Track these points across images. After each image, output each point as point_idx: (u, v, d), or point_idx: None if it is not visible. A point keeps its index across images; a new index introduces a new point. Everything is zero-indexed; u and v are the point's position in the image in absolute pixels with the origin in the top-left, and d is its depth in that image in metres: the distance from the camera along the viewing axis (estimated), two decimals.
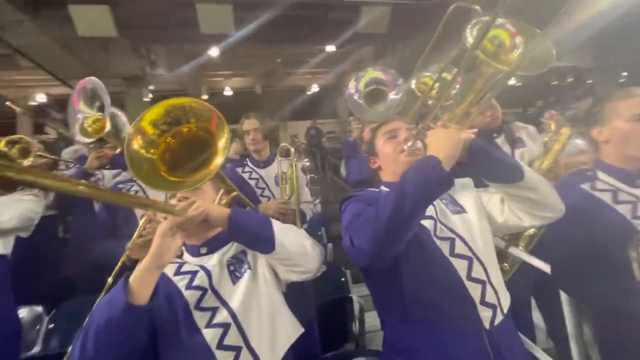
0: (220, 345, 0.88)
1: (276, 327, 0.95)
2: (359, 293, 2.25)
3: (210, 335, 0.88)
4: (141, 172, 0.80)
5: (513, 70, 0.83)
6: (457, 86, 1.07)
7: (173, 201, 1.00)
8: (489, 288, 0.94)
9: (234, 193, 1.12)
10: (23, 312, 1.82)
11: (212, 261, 1.01)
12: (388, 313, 1.04)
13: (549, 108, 2.72)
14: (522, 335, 1.42)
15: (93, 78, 1.71)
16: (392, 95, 2.70)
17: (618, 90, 1.19)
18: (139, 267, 0.82)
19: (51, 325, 1.81)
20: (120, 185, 1.70)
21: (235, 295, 0.94)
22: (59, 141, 6.90)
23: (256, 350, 0.89)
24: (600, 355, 1.20)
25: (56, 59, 6.14)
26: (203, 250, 1.03)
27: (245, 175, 2.02)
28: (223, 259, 1.01)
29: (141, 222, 1.07)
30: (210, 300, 0.93)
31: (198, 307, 0.92)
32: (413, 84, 2.12)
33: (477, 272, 0.94)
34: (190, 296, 0.93)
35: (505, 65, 0.82)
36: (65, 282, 2.33)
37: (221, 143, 0.81)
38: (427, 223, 1.00)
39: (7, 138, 2.01)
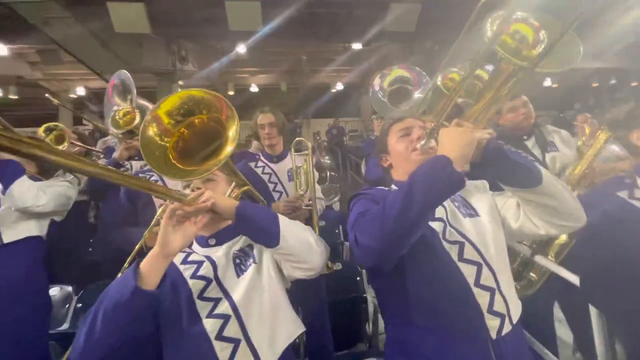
0: (220, 336, 0.88)
1: (277, 323, 0.94)
2: (373, 293, 2.24)
3: (210, 325, 0.89)
4: (152, 157, 0.81)
5: (532, 68, 0.77)
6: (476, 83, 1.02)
7: (187, 191, 1.02)
8: (497, 296, 0.90)
9: (246, 187, 1.12)
10: (54, 291, 1.95)
11: (219, 253, 1.01)
12: (392, 315, 1.02)
13: (587, 111, 2.57)
14: (541, 346, 1.35)
15: (123, 71, 1.79)
16: (417, 94, 2.64)
17: None
18: (149, 254, 0.84)
19: (79, 305, 1.93)
20: (141, 175, 1.76)
21: (238, 288, 0.94)
22: (95, 132, 7.31)
23: (255, 344, 0.89)
24: None
25: (94, 54, 6.49)
26: (211, 241, 1.05)
27: (258, 170, 2.03)
28: (230, 251, 1.02)
29: (159, 210, 1.10)
30: (213, 291, 0.93)
31: (201, 296, 0.92)
32: (439, 80, 2.06)
33: (486, 278, 0.90)
34: (195, 285, 0.94)
35: (527, 62, 0.77)
36: (94, 265, 2.46)
37: (231, 132, 0.81)
38: (436, 225, 0.96)
39: (46, 125, 2.15)
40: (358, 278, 2.25)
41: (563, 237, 1.50)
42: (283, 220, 0.96)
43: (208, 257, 1.00)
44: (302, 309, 1.87)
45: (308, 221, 1.82)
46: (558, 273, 1.36)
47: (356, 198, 1.03)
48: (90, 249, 2.67)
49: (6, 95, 9.83)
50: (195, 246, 1.07)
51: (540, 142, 1.95)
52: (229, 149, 0.80)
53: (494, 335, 0.87)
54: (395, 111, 2.67)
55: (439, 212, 0.99)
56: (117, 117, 1.83)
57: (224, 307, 0.91)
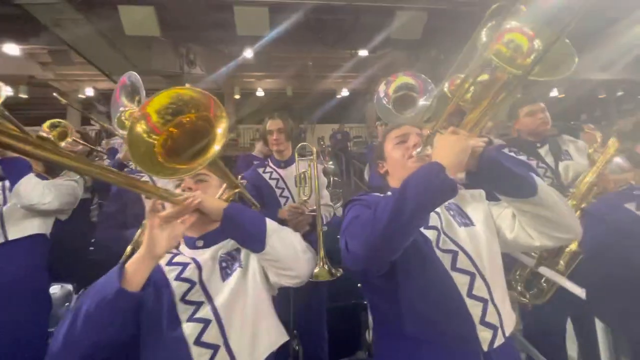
0: (198, 341, 0.85)
1: (258, 331, 0.91)
2: None
3: (189, 329, 0.86)
4: (138, 154, 0.80)
5: (525, 76, 0.78)
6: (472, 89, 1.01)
7: (178, 191, 1.00)
8: (490, 307, 0.88)
9: (237, 189, 1.10)
10: (55, 289, 1.95)
11: (205, 255, 0.99)
12: (382, 324, 1.01)
13: (593, 122, 2.55)
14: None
15: (133, 72, 1.81)
16: (422, 101, 2.64)
17: None
18: (136, 255, 0.83)
19: None
20: (136, 175, 1.77)
21: (222, 293, 0.91)
22: (101, 133, 7.39)
23: (234, 351, 0.86)
24: None
25: (104, 55, 6.59)
26: (199, 243, 1.03)
27: (266, 176, 2.04)
28: (217, 254, 1.00)
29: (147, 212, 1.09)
30: (196, 295, 0.91)
31: (183, 299, 0.90)
32: (446, 86, 2.05)
33: (479, 289, 0.89)
34: (178, 287, 0.92)
35: (521, 70, 0.77)
36: (96, 263, 2.47)
37: (219, 131, 0.79)
38: (429, 233, 0.95)
39: (50, 121, 2.20)
40: (359, 284, 2.23)
41: (573, 246, 1.47)
42: (271, 225, 0.94)
43: (194, 259, 0.98)
44: (300, 314, 1.86)
45: (312, 227, 1.80)
46: (563, 285, 1.34)
47: (351, 204, 1.03)
48: (92, 248, 2.68)
49: (17, 95, 9.99)
50: (183, 247, 1.05)
51: (554, 150, 1.93)
52: (216, 148, 0.78)
53: (485, 347, 0.85)
54: (399, 118, 2.68)
55: (433, 220, 0.98)
56: (123, 117, 1.84)
57: (204, 312, 0.89)
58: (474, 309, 0.87)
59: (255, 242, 0.90)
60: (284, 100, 11.71)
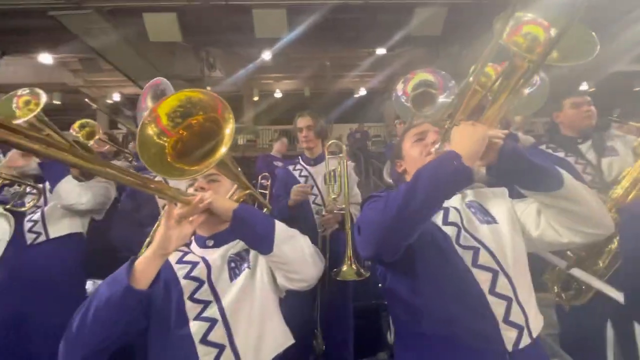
0: (204, 340, 0.86)
1: (264, 332, 0.91)
2: None
3: (196, 328, 0.87)
4: (148, 155, 0.81)
5: (544, 58, 0.76)
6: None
7: (190, 190, 1.01)
8: (515, 306, 0.85)
9: (248, 191, 1.10)
10: (89, 285, 2.06)
11: (215, 255, 0.99)
12: (402, 322, 0.99)
13: (628, 116, 2.42)
14: None
15: (164, 79, 1.87)
16: (442, 98, 2.59)
17: None
18: (145, 253, 0.83)
19: None
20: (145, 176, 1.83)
21: (230, 293, 0.92)
22: (128, 136, 7.71)
23: (240, 351, 0.86)
24: None
25: (130, 62, 6.88)
26: (209, 242, 1.03)
27: (296, 173, 2.06)
28: (226, 254, 1.00)
29: (163, 211, 1.12)
30: (205, 293, 0.91)
31: (192, 297, 0.91)
32: (471, 73, 2.00)
33: (503, 287, 0.86)
34: (187, 286, 0.92)
35: (537, 56, 0.76)
36: (124, 261, 2.58)
37: (227, 132, 0.80)
38: (449, 229, 0.93)
39: (79, 122, 2.35)
40: (379, 284, 2.21)
41: (614, 246, 1.37)
42: (280, 228, 0.93)
43: (204, 259, 0.98)
44: (326, 313, 1.86)
45: (341, 225, 1.80)
46: (598, 288, 1.27)
47: (369, 200, 1.02)
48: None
49: (51, 101, 10.60)
50: (193, 245, 1.06)
51: (597, 146, 1.82)
52: (223, 149, 0.78)
53: (510, 347, 0.82)
54: (418, 116, 2.63)
55: (453, 216, 0.96)
56: None
57: (212, 311, 0.89)
58: (497, 307, 0.84)
59: (264, 243, 0.90)
60: (302, 100, 11.78)
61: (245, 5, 5.28)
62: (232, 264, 0.98)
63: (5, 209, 1.40)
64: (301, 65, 9.75)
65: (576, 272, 1.39)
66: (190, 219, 0.87)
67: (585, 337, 1.58)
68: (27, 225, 1.70)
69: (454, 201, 1.01)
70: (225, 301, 0.90)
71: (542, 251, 0.98)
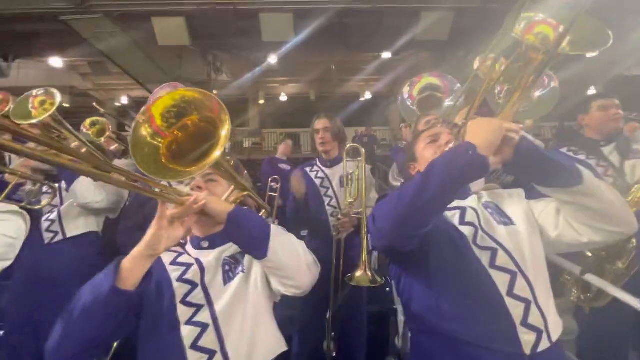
0: (195, 346, 0.84)
1: (257, 338, 0.89)
2: None
3: (187, 333, 0.85)
4: (141, 156, 0.79)
5: (557, 46, 0.76)
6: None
7: (186, 189, 1.00)
8: (534, 309, 0.83)
9: (246, 192, 1.08)
10: None
11: (209, 257, 0.97)
12: (417, 322, 0.98)
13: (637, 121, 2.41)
14: None
15: (178, 84, 1.91)
16: (447, 102, 2.59)
17: None
18: (133, 253, 0.80)
19: None
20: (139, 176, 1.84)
21: (223, 297, 0.90)
22: None
23: (230, 357, 0.84)
24: None
25: (138, 66, 6.97)
26: (204, 244, 1.01)
27: (313, 174, 2.06)
28: (221, 256, 0.98)
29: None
30: (197, 297, 0.90)
31: (184, 301, 0.89)
32: (476, 65, 1.99)
33: (521, 289, 0.84)
34: (179, 288, 0.90)
35: (549, 47, 0.78)
36: None
37: (223, 132, 0.77)
38: (466, 230, 0.92)
39: (90, 119, 2.39)
40: (387, 289, 2.18)
41: (632, 246, 1.32)
42: (276, 232, 0.91)
43: (198, 260, 0.96)
44: (340, 317, 1.85)
45: (356, 230, 1.79)
46: (613, 294, 1.24)
47: (383, 199, 1.03)
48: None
49: (61, 104, 10.75)
50: (189, 246, 1.04)
51: (621, 148, 1.81)
52: (217, 152, 0.76)
53: (528, 351, 0.81)
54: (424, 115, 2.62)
55: (471, 216, 0.95)
56: None
57: (204, 316, 0.87)
58: (515, 309, 0.83)
59: (258, 248, 0.87)
60: (308, 104, 11.82)
61: (253, 9, 5.32)
62: (227, 267, 0.96)
63: (21, 207, 1.42)
64: (307, 69, 9.79)
65: (590, 278, 1.35)
66: (183, 220, 0.85)
67: (604, 341, 1.54)
68: (45, 224, 1.75)
69: (471, 201, 1.00)
70: (218, 306, 0.89)
71: (557, 255, 0.95)
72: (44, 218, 1.75)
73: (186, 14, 5.48)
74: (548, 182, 0.84)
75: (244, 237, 0.89)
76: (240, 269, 0.95)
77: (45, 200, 1.66)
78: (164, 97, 0.83)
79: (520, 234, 0.92)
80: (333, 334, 1.84)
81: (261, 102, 12.08)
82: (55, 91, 1.54)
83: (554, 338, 0.84)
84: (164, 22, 5.51)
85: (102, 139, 2.31)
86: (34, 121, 1.46)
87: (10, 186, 1.52)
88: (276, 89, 11.94)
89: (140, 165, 0.77)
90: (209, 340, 0.85)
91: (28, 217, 1.42)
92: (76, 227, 1.79)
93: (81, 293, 0.78)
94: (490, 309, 0.84)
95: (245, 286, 0.93)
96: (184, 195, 0.85)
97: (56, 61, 8.39)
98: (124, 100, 11.71)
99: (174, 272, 0.93)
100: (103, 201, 1.76)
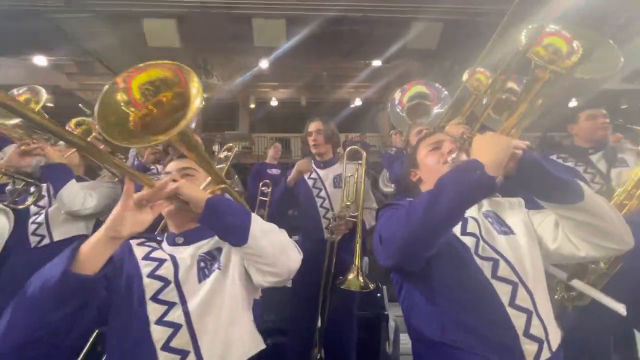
0: (166, 347, 0.81)
1: (233, 338, 0.86)
2: (395, 313, 2.16)
3: (157, 333, 0.81)
4: (107, 118, 0.77)
5: (570, 72, 0.78)
6: (506, 96, 1.02)
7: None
8: (535, 319, 0.84)
9: (223, 185, 1.05)
10: None
11: (184, 253, 0.94)
12: (420, 332, 0.97)
13: (615, 132, 2.53)
14: None
15: None
16: (436, 109, 2.65)
17: None
18: (94, 235, 0.76)
19: None
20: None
21: (197, 295, 0.86)
22: None
23: (204, 358, 0.82)
24: None
25: (127, 66, 6.84)
26: (179, 240, 0.98)
27: (306, 175, 2.06)
28: (196, 252, 0.94)
29: None
30: (170, 294, 0.86)
31: (155, 298, 0.85)
32: (465, 77, 2.06)
33: (523, 299, 0.85)
34: (150, 285, 0.86)
35: (564, 69, 0.78)
36: None
37: (195, 102, 0.76)
38: (468, 240, 0.92)
39: (76, 120, 2.34)
40: (379, 294, 2.18)
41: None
42: (257, 219, 0.88)
43: (172, 256, 0.93)
44: (329, 322, 1.85)
45: (352, 233, 1.80)
46: (600, 301, 1.26)
47: (385, 208, 1.02)
48: None
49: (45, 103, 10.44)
50: (164, 244, 1.01)
51: (608, 157, 1.90)
52: (184, 122, 0.73)
53: None
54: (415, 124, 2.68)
55: (472, 226, 0.95)
56: None
57: (176, 315, 0.84)
58: (517, 319, 0.83)
59: (238, 234, 0.83)
60: (298, 109, 11.83)
61: (246, 14, 5.34)
62: (202, 264, 0.92)
63: (5, 205, 1.37)
64: (298, 74, 9.83)
65: (577, 283, 1.39)
66: (153, 204, 0.81)
67: (587, 345, 1.58)
68: (31, 227, 1.67)
69: (471, 211, 1.01)
70: (192, 304, 0.85)
71: (555, 262, 0.97)
72: (30, 220, 1.68)
73: (178, 16, 5.44)
74: (549, 197, 0.85)
75: (224, 223, 0.85)
76: (216, 265, 0.92)
77: (30, 200, 1.60)
78: (142, 72, 0.84)
79: (520, 243, 0.93)
80: (320, 339, 1.83)
81: (252, 106, 12.04)
82: (39, 88, 1.51)
83: (554, 348, 0.85)
84: (155, 23, 5.46)
85: (89, 139, 2.26)
86: (16, 121, 1.43)
87: None
88: (267, 93, 11.91)
89: (102, 126, 0.74)
90: (181, 340, 0.82)
91: (12, 215, 1.37)
92: (64, 231, 1.72)
93: (32, 279, 0.73)
94: (493, 319, 0.84)
95: (222, 283, 0.90)
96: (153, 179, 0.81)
97: (40, 60, 8.18)
98: None
99: (145, 268, 0.89)
100: (93, 207, 1.70)
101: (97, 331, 1.03)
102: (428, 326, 0.92)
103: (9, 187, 1.60)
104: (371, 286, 1.50)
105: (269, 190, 2.23)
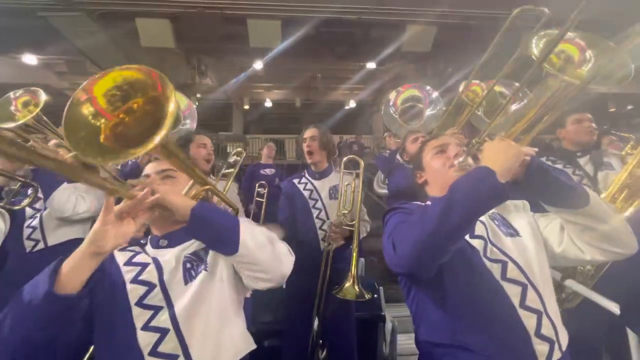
0: (154, 352, 0.78)
1: (223, 339, 0.84)
2: (391, 313, 2.15)
3: (144, 339, 0.79)
4: (76, 134, 0.71)
5: (585, 83, 0.78)
6: (515, 101, 1.03)
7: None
8: (545, 320, 0.85)
9: (207, 187, 1.01)
10: None
11: (168, 255, 0.90)
12: (429, 332, 0.96)
13: (602, 136, 2.62)
14: None
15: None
16: (428, 112, 2.69)
17: None
18: (75, 252, 0.73)
19: None
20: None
21: (183, 297, 0.83)
22: None
23: None
24: None
25: (119, 66, 6.77)
26: (163, 242, 0.94)
27: (301, 186, 2.04)
28: (181, 254, 0.91)
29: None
30: (155, 298, 0.83)
31: (140, 303, 0.82)
32: (461, 88, 2.10)
33: (532, 300, 0.86)
34: (134, 291, 0.84)
35: (575, 79, 0.78)
36: None
37: (170, 108, 0.70)
38: (476, 243, 0.93)
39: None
40: (375, 295, 2.18)
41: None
42: (245, 225, 0.85)
43: (155, 260, 0.90)
44: (329, 323, 1.85)
45: (346, 241, 1.80)
46: (595, 300, 1.29)
47: (392, 212, 1.02)
48: None
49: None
50: (148, 247, 0.97)
51: (595, 160, 1.96)
52: (162, 132, 0.68)
53: None
54: (406, 129, 2.73)
55: (479, 229, 0.96)
56: None
57: (162, 319, 0.81)
58: (528, 320, 0.84)
59: (228, 244, 0.81)
60: (293, 111, 11.85)
61: (241, 15, 5.33)
62: (188, 265, 0.89)
63: (0, 207, 1.34)
64: (293, 75, 9.84)
65: (570, 283, 1.42)
66: (135, 215, 0.77)
67: (578, 345, 1.60)
68: (26, 232, 1.62)
69: None
70: (178, 307, 0.82)
71: (561, 265, 0.98)
72: (25, 224, 1.63)
73: (171, 16, 5.41)
74: (555, 202, 0.87)
75: (212, 234, 0.82)
76: (202, 266, 0.89)
77: (25, 201, 1.57)
78: (103, 78, 0.76)
79: (526, 245, 0.94)
80: (321, 341, 1.83)
81: (246, 107, 12.01)
82: (39, 90, 1.49)
83: (564, 347, 0.86)
84: (148, 23, 5.41)
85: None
86: (15, 125, 1.40)
87: None
88: (261, 94, 11.90)
89: (72, 144, 0.69)
90: (169, 345, 0.80)
91: (7, 216, 1.34)
92: (59, 235, 1.66)
93: (18, 294, 0.71)
94: (504, 321, 0.85)
95: (209, 284, 0.87)
96: (132, 189, 0.77)
97: (30, 58, 8.04)
98: None
99: (128, 274, 0.87)
100: (86, 211, 1.64)
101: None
102: (439, 329, 0.92)
103: (6, 188, 1.56)
104: (367, 296, 1.51)
105: (265, 191, 2.22)
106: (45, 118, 1.49)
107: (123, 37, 5.88)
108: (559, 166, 1.97)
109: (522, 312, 0.84)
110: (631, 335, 1.13)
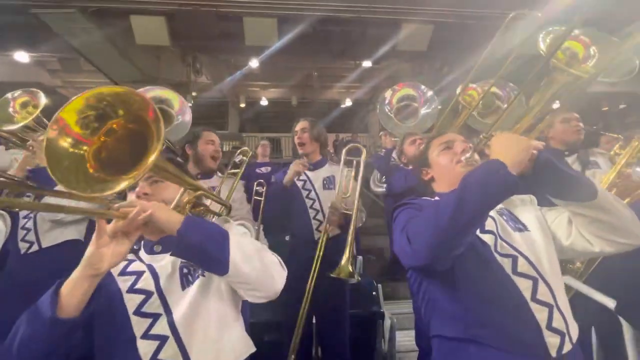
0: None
1: (223, 344, 0.84)
2: (390, 310, 2.18)
3: (144, 347, 0.79)
4: (61, 169, 0.68)
5: (595, 76, 0.80)
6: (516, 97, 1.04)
7: (132, 195, 0.93)
8: (556, 313, 0.86)
9: (199, 192, 1.00)
10: None
11: (164, 261, 0.90)
12: (440, 326, 0.97)
13: (595, 135, 2.67)
14: None
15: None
16: (423, 111, 2.71)
17: None
18: (72, 275, 0.74)
19: None
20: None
21: (181, 304, 0.84)
22: None
23: None
24: None
25: (114, 64, 6.71)
26: (157, 248, 0.94)
27: (295, 176, 2.04)
28: (177, 259, 0.89)
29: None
30: (153, 306, 0.83)
31: (138, 312, 0.83)
32: (458, 91, 2.13)
33: (543, 294, 0.87)
34: (131, 300, 0.84)
35: (583, 73, 0.80)
36: None
37: (157, 129, 0.66)
38: (486, 237, 0.94)
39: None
40: (374, 292, 2.20)
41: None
42: (235, 242, 0.82)
43: (150, 267, 0.89)
44: (323, 320, 1.87)
45: (342, 229, 1.84)
46: (592, 297, 1.30)
47: (401, 207, 1.02)
48: None
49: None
50: (142, 252, 0.96)
51: (582, 159, 2.00)
52: (152, 156, 0.65)
53: (553, 353, 0.83)
54: (401, 127, 2.74)
55: (489, 224, 0.97)
56: None
57: (161, 326, 0.81)
58: (540, 314, 0.85)
59: (217, 265, 0.79)
60: (289, 109, 11.81)
61: (236, 13, 5.30)
62: (185, 270, 0.89)
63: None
64: (289, 74, 9.81)
65: (567, 279, 1.42)
66: (129, 233, 0.77)
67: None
68: (21, 233, 1.62)
69: None
70: (177, 313, 0.82)
71: (569, 258, 0.99)
72: (20, 226, 1.62)
73: (167, 14, 5.36)
74: (563, 195, 0.88)
75: (199, 256, 0.80)
76: (200, 271, 0.89)
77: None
78: (74, 100, 0.70)
79: (535, 239, 0.95)
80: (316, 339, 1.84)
81: (242, 105, 11.96)
82: (39, 92, 1.48)
83: (574, 339, 0.87)
84: (143, 20, 5.36)
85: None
86: (16, 126, 1.39)
87: None
88: (257, 92, 11.85)
89: (60, 180, 0.66)
90: (169, 353, 0.80)
91: (8, 218, 1.33)
92: (53, 237, 1.65)
93: (18, 325, 0.73)
94: (516, 314, 0.86)
95: (207, 289, 0.87)
96: (126, 206, 0.76)
97: (22, 56, 7.93)
98: None
99: (123, 283, 0.87)
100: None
101: None
102: (451, 323, 0.93)
103: (5, 190, 1.55)
104: (357, 278, 1.55)
105: (264, 190, 2.22)
106: (45, 120, 1.48)
107: (118, 35, 5.82)
108: None
109: (533, 306, 0.86)
110: (625, 327, 1.15)
